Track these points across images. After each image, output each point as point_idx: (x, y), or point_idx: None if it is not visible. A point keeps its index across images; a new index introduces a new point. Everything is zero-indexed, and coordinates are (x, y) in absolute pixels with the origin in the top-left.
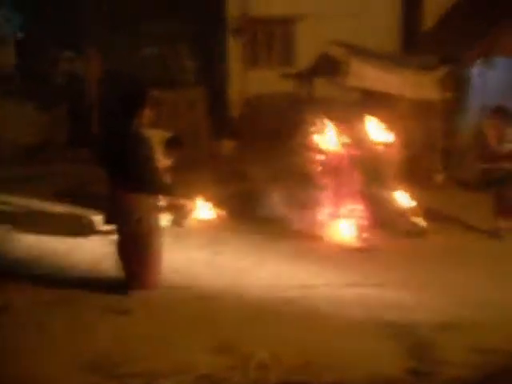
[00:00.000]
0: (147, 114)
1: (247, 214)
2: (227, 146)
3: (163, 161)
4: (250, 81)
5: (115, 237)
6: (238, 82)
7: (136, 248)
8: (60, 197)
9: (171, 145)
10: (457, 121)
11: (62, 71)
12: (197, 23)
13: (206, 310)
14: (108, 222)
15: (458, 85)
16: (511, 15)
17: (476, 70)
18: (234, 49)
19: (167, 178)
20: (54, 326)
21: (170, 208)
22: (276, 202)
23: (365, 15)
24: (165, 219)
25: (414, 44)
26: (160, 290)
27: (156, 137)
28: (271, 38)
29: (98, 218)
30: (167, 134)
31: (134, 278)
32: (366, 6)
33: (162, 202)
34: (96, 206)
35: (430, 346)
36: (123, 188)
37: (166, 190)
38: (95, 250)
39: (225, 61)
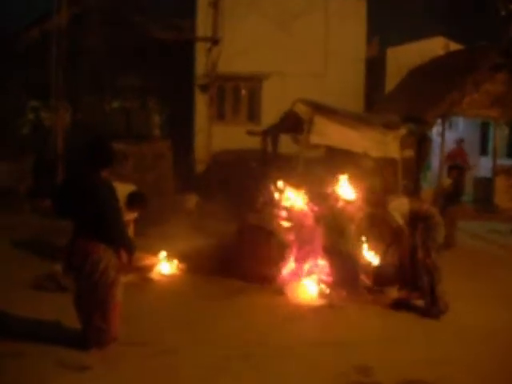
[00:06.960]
0: (114, 166)
1: (210, 268)
2: (192, 200)
3: (127, 214)
4: (216, 136)
5: (74, 288)
6: (204, 136)
7: (98, 300)
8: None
9: (134, 199)
10: (418, 178)
11: (28, 120)
12: (165, 78)
13: (166, 366)
14: (68, 271)
15: (418, 144)
16: (469, 78)
17: (435, 130)
18: (201, 104)
19: (130, 232)
20: (3, 380)
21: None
22: (240, 257)
23: (328, 76)
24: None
25: (377, 104)
26: (119, 345)
27: (121, 190)
28: (237, 94)
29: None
30: (131, 188)
31: (93, 332)
32: (329, 67)
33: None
34: (54, 257)
35: None
36: (88, 238)
37: (129, 245)
38: (52, 299)
39: (192, 116)
